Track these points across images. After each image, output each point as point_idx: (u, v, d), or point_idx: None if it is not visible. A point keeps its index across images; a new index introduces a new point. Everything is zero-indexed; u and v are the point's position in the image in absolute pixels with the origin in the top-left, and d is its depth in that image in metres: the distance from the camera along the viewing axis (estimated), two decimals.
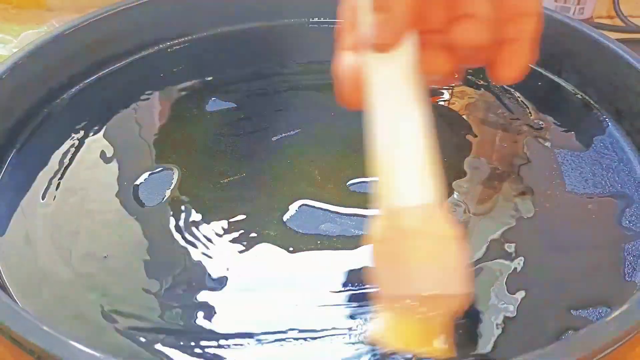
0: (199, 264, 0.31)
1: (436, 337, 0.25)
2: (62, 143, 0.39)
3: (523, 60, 0.27)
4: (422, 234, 0.25)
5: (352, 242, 0.32)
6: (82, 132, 0.40)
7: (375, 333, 0.26)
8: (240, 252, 0.32)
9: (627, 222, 0.34)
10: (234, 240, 0.33)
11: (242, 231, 0.33)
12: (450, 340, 0.25)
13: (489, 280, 0.30)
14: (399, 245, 0.25)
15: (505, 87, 0.44)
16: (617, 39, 0.42)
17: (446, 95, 0.44)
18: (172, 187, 0.36)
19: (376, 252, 0.26)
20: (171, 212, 0.34)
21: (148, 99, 0.44)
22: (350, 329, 0.28)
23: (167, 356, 0.27)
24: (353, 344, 0.28)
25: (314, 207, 0.35)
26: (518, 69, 0.27)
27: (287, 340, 0.28)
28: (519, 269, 0.31)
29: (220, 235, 0.33)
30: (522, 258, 0.32)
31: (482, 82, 0.45)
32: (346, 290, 0.30)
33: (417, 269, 0.25)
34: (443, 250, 0.25)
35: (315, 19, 0.51)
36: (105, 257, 0.32)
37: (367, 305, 0.29)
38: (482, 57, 0.27)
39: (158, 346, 0.28)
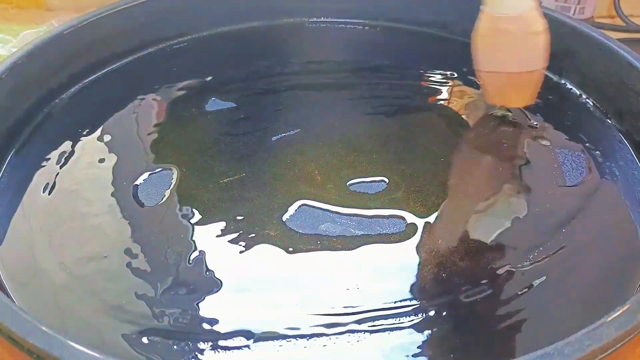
0: (198, 264, 0.31)
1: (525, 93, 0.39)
2: (62, 143, 0.39)
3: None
4: (515, 33, 0.36)
5: (352, 242, 0.32)
6: (81, 132, 0.40)
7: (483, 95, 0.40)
8: (240, 252, 0.32)
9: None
10: (233, 241, 0.33)
11: (241, 231, 0.33)
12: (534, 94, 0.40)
13: (489, 280, 0.30)
14: (496, 39, 0.37)
15: None
16: (617, 39, 0.42)
17: (445, 95, 0.44)
18: (171, 187, 0.36)
19: (479, 43, 0.38)
20: (170, 212, 0.34)
21: (147, 99, 0.44)
22: (350, 329, 0.28)
23: (166, 357, 0.27)
24: (354, 344, 0.28)
25: (314, 207, 0.35)
26: None
27: (287, 340, 0.28)
28: (519, 269, 0.31)
29: (219, 236, 0.33)
30: (522, 258, 0.32)
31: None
32: (346, 290, 0.30)
33: (510, 56, 0.37)
34: (530, 42, 0.37)
35: (315, 19, 0.51)
36: (105, 257, 0.32)
37: (367, 305, 0.29)
38: None
39: (157, 347, 0.27)
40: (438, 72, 0.46)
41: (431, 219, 0.34)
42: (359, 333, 0.28)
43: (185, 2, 0.49)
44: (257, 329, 0.28)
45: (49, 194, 0.36)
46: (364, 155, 0.38)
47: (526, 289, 0.30)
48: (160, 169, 0.37)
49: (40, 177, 0.37)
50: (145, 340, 0.28)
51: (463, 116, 0.42)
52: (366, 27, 0.51)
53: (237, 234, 0.33)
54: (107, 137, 0.40)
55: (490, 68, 0.39)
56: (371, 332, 0.28)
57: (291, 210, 0.34)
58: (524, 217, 0.34)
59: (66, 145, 0.39)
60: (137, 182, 0.36)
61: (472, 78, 0.45)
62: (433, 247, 0.32)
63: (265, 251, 0.32)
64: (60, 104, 0.43)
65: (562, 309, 0.30)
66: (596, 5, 0.60)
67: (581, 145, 0.39)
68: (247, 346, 0.28)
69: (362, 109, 0.43)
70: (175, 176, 0.37)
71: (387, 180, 0.36)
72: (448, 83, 0.45)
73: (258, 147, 0.39)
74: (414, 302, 0.29)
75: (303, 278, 0.31)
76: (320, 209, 0.34)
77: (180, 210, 0.34)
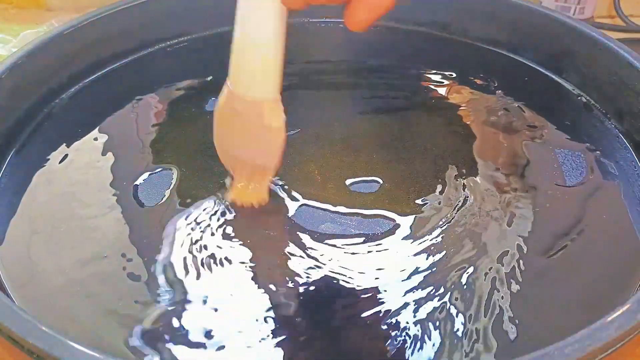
0: (197, 264, 0.31)
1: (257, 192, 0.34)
2: (61, 143, 0.39)
3: (375, 5, 0.28)
4: (248, 120, 0.32)
5: (352, 242, 0.32)
6: (81, 132, 0.40)
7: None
8: (240, 252, 0.32)
9: None
10: (233, 241, 0.33)
11: (241, 232, 0.33)
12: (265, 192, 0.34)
13: (489, 280, 0.30)
14: (233, 120, 0.33)
15: (504, 87, 0.44)
16: (617, 39, 0.42)
17: (445, 95, 0.44)
18: (171, 187, 0.36)
19: (217, 116, 0.33)
20: (170, 213, 0.34)
21: (147, 99, 0.44)
22: (351, 329, 0.28)
23: (164, 357, 0.27)
24: (353, 344, 0.28)
25: (314, 207, 0.35)
26: (369, 13, 0.28)
27: (287, 340, 0.28)
28: (518, 268, 0.31)
29: (219, 236, 0.33)
30: (522, 258, 0.32)
31: (480, 82, 0.45)
32: (346, 290, 0.30)
33: (242, 142, 0.33)
34: (262, 135, 0.32)
35: (315, 19, 0.51)
36: (105, 256, 0.32)
37: (366, 305, 0.29)
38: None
39: (156, 347, 0.27)
40: (438, 72, 0.46)
41: (431, 218, 0.34)
42: (359, 333, 0.28)
43: (185, 2, 0.49)
44: (256, 329, 0.28)
45: (48, 194, 0.36)
46: (364, 155, 0.38)
47: (526, 289, 0.30)
48: (160, 169, 0.37)
49: (40, 177, 0.37)
50: (143, 340, 0.28)
51: (462, 116, 0.42)
52: None
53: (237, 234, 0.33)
54: (106, 137, 0.40)
55: (223, 146, 0.34)
56: (371, 331, 0.28)
57: (291, 210, 0.34)
58: (524, 217, 0.34)
59: (66, 146, 0.39)
60: (137, 182, 0.36)
61: (472, 78, 0.45)
62: (432, 247, 0.32)
63: (264, 251, 0.32)
64: (60, 104, 0.43)
65: (562, 309, 0.30)
66: (596, 5, 0.60)
67: (581, 145, 0.39)
68: (247, 346, 0.28)
69: (362, 109, 0.43)
70: (175, 176, 0.37)
71: (386, 180, 0.36)
72: (447, 83, 0.45)
73: None
74: (413, 302, 0.29)
75: (303, 278, 0.31)
76: (320, 209, 0.34)
77: (180, 210, 0.34)
